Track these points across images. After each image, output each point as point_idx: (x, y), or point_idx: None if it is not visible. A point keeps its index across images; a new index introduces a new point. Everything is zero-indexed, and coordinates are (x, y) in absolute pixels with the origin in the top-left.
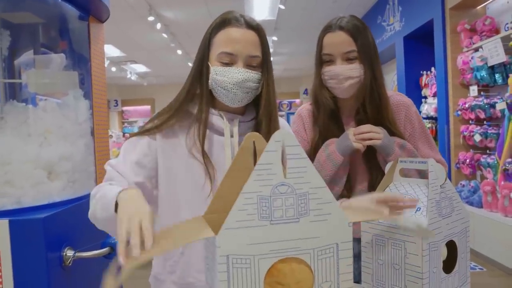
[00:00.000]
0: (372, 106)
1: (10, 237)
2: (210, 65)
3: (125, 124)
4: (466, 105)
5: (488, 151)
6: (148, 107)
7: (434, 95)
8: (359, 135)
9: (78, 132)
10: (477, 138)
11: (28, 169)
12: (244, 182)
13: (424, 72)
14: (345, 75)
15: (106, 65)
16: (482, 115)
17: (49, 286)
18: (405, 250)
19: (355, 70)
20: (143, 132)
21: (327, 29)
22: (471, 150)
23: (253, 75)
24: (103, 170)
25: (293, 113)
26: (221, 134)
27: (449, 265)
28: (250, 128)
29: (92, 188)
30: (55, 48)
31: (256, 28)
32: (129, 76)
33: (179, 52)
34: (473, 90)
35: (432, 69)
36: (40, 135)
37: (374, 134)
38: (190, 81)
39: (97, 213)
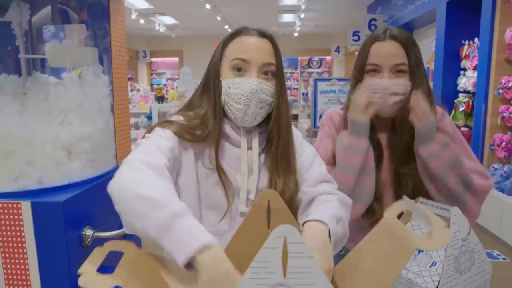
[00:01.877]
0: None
1: (33, 218)
2: (222, 79)
3: (154, 76)
4: (510, 84)
5: None
6: (176, 59)
7: (475, 69)
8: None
9: (97, 110)
10: None
11: (48, 150)
12: (255, 242)
13: (466, 42)
14: (392, 91)
15: (134, 17)
16: None
17: (69, 264)
18: None
19: (402, 87)
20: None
21: (376, 38)
22: (509, 132)
23: (267, 87)
24: (123, 147)
25: (320, 80)
26: (236, 145)
27: None
28: (265, 139)
29: (112, 165)
30: (75, 16)
31: (269, 37)
32: (157, 28)
33: (208, 6)
34: None
35: (476, 39)
36: (60, 113)
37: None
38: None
39: (150, 230)
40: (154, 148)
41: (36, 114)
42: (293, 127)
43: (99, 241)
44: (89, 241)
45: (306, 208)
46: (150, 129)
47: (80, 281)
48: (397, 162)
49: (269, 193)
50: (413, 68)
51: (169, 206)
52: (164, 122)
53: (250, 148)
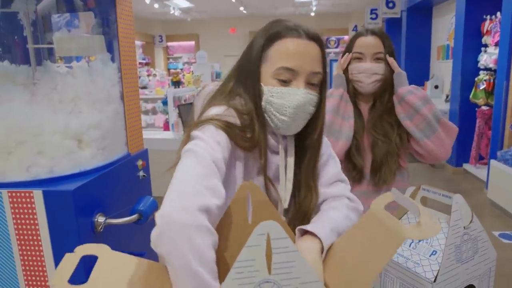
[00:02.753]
0: (390, 95)
1: (45, 206)
2: (263, 85)
3: (170, 60)
4: None
5: None
6: (192, 42)
7: (496, 45)
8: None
9: (106, 97)
10: None
11: (58, 139)
12: (236, 235)
13: (488, 16)
14: (373, 71)
15: (148, 2)
16: None
17: None
18: None
19: (381, 68)
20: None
21: (360, 34)
22: None
23: (313, 98)
24: (134, 134)
25: (335, 61)
26: (274, 151)
27: None
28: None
29: (123, 152)
30: (80, 3)
31: (318, 40)
32: (172, 12)
33: None
34: None
35: (498, 14)
36: (70, 102)
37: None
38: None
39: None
40: (212, 166)
41: (46, 103)
42: None
43: (112, 228)
44: (101, 228)
45: (318, 207)
46: (200, 122)
47: None
48: (374, 130)
49: (248, 185)
50: (388, 55)
51: None
52: (219, 121)
53: (287, 155)
